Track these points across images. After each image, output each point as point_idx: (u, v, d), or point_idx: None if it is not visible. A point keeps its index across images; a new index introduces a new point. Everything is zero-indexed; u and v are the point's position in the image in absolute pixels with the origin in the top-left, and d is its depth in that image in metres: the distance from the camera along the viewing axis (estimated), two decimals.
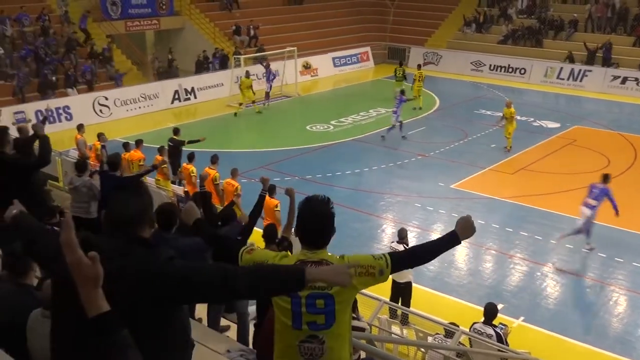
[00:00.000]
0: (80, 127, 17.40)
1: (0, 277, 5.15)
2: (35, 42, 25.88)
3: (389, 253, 3.77)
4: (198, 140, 16.67)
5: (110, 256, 2.69)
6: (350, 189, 17.91)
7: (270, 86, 27.36)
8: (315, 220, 3.65)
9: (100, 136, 16.52)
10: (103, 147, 16.10)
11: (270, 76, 27.40)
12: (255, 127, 25.00)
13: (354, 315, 7.39)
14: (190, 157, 15.01)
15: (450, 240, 3.76)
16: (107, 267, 2.55)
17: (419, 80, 26.97)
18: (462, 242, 3.77)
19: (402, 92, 22.84)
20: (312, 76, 33.80)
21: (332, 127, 24.35)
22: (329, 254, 3.72)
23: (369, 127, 24.34)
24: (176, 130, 17.08)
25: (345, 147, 21.93)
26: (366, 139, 22.75)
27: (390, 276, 11.51)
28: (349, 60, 36.01)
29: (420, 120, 25.56)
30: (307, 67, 33.69)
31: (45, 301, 4.44)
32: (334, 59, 35.37)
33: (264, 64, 28.71)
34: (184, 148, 16.63)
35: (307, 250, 3.68)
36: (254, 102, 26.06)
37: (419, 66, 27.66)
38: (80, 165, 11.28)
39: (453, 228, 3.78)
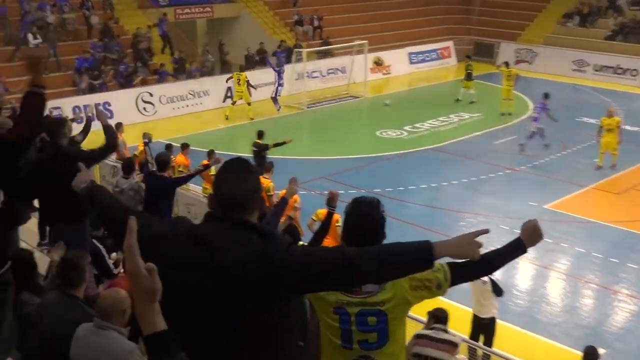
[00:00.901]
0: (118, 127, 17.85)
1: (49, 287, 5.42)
2: (95, 49, 26.75)
3: (447, 263, 3.75)
4: (284, 143, 17.13)
5: (223, 247, 2.85)
6: (425, 206, 17.78)
7: (278, 90, 26.56)
8: (364, 225, 3.69)
9: (145, 134, 16.96)
10: (146, 144, 16.45)
11: (279, 77, 26.56)
12: (315, 131, 25.17)
13: (443, 327, 7.31)
14: (267, 169, 15.07)
15: (515, 248, 3.73)
16: (221, 262, 2.80)
17: (509, 80, 26.60)
18: (528, 250, 3.76)
19: (546, 95, 22.38)
20: (384, 74, 33.81)
21: (405, 134, 24.27)
22: None
23: (449, 134, 24.15)
24: (260, 133, 17.52)
25: (420, 157, 21.81)
26: (445, 149, 22.57)
27: (471, 310, 11.35)
28: (427, 57, 35.88)
29: (510, 127, 25.21)
30: (378, 63, 33.74)
31: (99, 313, 4.68)
32: (410, 54, 35.31)
33: (275, 62, 27.68)
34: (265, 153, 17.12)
35: None
36: (234, 103, 26.14)
37: (506, 64, 27.32)
38: (127, 166, 11.63)
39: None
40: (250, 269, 2.80)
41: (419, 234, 15.43)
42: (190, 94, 27.03)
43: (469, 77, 28.56)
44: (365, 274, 2.91)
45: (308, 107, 27.64)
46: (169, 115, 25.99)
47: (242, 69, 26.89)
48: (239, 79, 25.72)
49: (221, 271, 2.82)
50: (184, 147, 16.24)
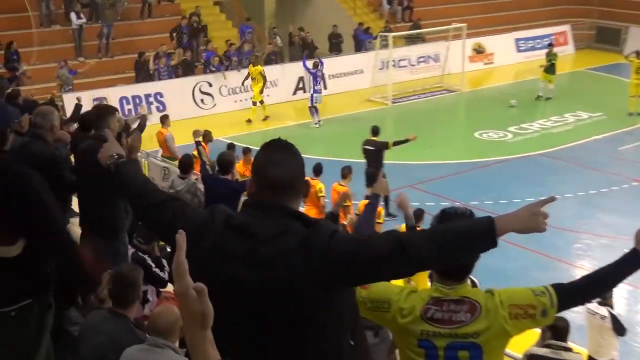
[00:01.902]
0: (164, 120, 18.18)
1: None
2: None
3: (553, 285, 3.73)
4: (407, 140, 17.35)
5: (266, 237, 3.02)
6: None
7: (314, 98, 24.91)
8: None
9: (195, 132, 17.21)
10: (198, 144, 16.64)
11: (316, 81, 25.02)
12: (401, 130, 25.06)
13: (563, 345, 7.03)
14: (317, 170, 15.29)
15: (631, 262, 3.74)
16: (264, 253, 2.97)
17: (639, 73, 25.93)
18: None
19: None
20: (485, 64, 33.53)
21: (510, 136, 24.01)
22: (472, 288, 3.78)
23: (563, 137, 23.76)
24: (375, 130, 17.77)
25: (527, 163, 21.54)
26: (558, 155, 22.22)
27: (585, 352, 11.12)
28: (538, 44, 35.34)
29: (638, 130, 24.64)
30: (479, 51, 33.47)
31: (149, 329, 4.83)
32: (517, 41, 34.90)
33: (311, 63, 25.63)
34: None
35: (443, 285, 3.76)
36: (256, 103, 25.29)
37: (637, 53, 26.68)
38: (185, 165, 11.85)
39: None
40: (295, 259, 2.95)
41: (524, 256, 15.20)
42: None
43: (551, 68, 27.94)
44: (420, 258, 3.00)
45: (393, 102, 27.63)
46: (230, 109, 26.38)
47: (313, 55, 27.04)
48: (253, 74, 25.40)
49: (264, 263, 2.98)
50: (246, 152, 16.36)
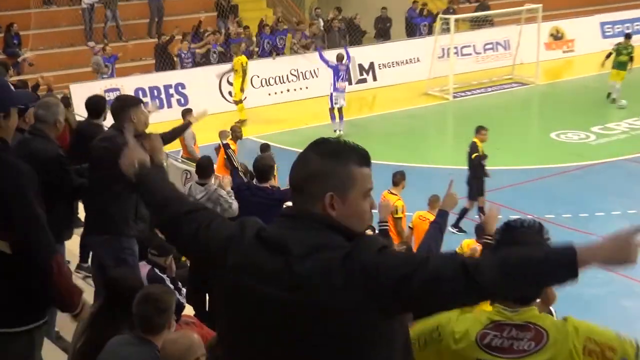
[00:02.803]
0: (186, 114, 18.19)
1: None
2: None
3: None
4: None
5: (301, 252, 3.06)
6: None
7: (335, 97, 23.94)
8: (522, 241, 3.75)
9: (222, 132, 17.25)
10: (226, 146, 16.65)
11: (338, 76, 23.93)
12: (463, 130, 24.94)
13: None
14: (397, 181, 15.15)
15: None
16: (299, 270, 3.02)
17: None
18: None
19: None
20: (564, 52, 33.31)
21: (593, 137, 23.82)
22: (539, 313, 3.77)
23: None
24: (480, 128, 18.02)
25: (613, 170, 21.32)
26: None
27: None
28: (627, 29, 35.04)
29: None
30: (557, 36, 33.25)
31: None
32: (602, 25, 34.60)
33: (335, 55, 24.72)
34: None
35: (505, 308, 3.75)
36: (237, 102, 24.92)
37: None
38: (203, 168, 11.85)
39: None
40: (334, 278, 2.97)
41: (609, 280, 15.06)
42: (293, 74, 27.52)
43: (623, 64, 26.86)
44: (486, 287, 2.97)
45: (455, 97, 27.59)
46: (262, 104, 26.56)
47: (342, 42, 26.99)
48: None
49: (300, 281, 3.02)
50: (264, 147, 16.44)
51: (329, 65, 24.18)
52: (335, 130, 23.46)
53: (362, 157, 3.27)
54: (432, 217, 14.00)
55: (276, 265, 3.06)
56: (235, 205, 11.28)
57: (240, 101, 24.78)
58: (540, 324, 3.68)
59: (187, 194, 11.85)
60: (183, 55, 26.38)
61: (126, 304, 5.51)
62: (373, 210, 3.55)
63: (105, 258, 8.07)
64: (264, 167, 11.23)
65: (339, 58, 23.95)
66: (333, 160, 3.20)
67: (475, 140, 17.80)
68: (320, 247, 3.05)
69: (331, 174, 3.18)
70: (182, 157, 18.09)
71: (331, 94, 23.81)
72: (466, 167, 18.51)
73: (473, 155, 17.72)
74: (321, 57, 24.65)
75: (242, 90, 24.70)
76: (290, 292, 3.01)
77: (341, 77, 23.82)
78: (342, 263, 2.99)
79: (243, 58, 24.73)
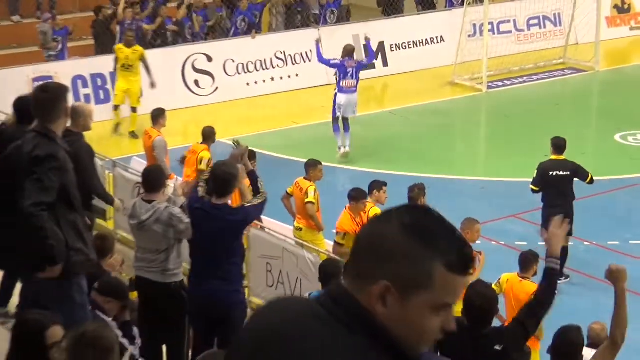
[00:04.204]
0: (158, 117, 18.14)
1: None
2: None
3: None
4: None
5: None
6: None
7: (339, 101, 22.34)
8: None
9: (208, 133, 17.31)
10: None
11: (346, 73, 22.56)
12: (500, 130, 24.92)
13: None
14: (415, 196, 15.19)
15: None
16: None
17: None
18: None
19: None
20: (632, 29, 33.24)
21: None
22: None
23: None
24: (561, 144, 17.67)
25: None
26: None
27: None
28: None
29: None
30: (622, 9, 33.23)
31: None
32: None
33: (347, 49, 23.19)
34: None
35: None
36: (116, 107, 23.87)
37: None
38: (151, 180, 11.78)
39: None
40: None
41: None
42: (279, 57, 27.47)
43: None
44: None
45: (490, 88, 27.47)
46: (238, 96, 26.48)
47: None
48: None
49: None
50: (318, 164, 16.42)
51: (330, 65, 23.23)
52: (339, 148, 22.33)
53: (460, 261, 3.02)
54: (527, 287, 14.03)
55: None
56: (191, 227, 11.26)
57: (134, 109, 23.77)
58: None
59: (131, 214, 11.76)
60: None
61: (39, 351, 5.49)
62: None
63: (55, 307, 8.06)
64: (225, 176, 11.11)
65: (348, 52, 22.80)
66: (418, 242, 2.99)
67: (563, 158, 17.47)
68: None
69: (404, 257, 2.99)
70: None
71: (335, 95, 22.43)
72: (501, 178, 18.51)
73: (588, 179, 17.50)
74: (319, 57, 23.84)
75: (141, 94, 23.92)
76: None
77: (349, 74, 22.43)
78: None
79: (139, 49, 23.83)
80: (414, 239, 2.95)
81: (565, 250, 16.69)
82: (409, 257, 2.95)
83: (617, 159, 22.83)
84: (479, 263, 13.81)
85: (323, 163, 16.86)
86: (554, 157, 17.64)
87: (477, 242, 14.35)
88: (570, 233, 16.41)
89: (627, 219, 19.44)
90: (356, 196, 15.26)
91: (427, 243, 2.96)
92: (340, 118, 22.17)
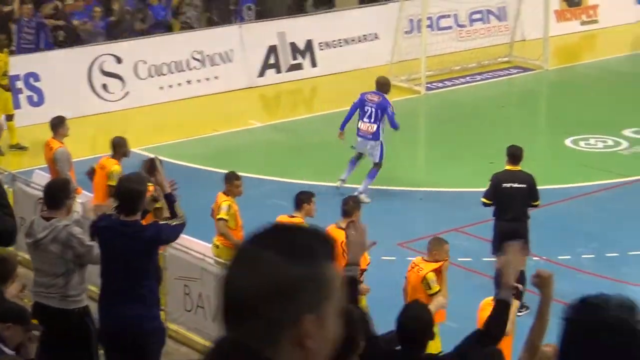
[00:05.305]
0: (57, 126, 18.07)
1: None
2: None
3: None
4: None
5: None
6: None
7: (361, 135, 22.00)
8: (607, 350, 3.71)
9: (119, 144, 17.20)
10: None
11: (367, 112, 22.09)
12: (441, 135, 25.11)
13: None
14: (350, 209, 15.33)
15: None
16: None
17: None
18: None
19: None
20: (584, 23, 33.68)
21: (625, 145, 24.14)
22: None
23: None
24: (516, 153, 17.79)
25: None
26: None
27: None
28: None
29: None
30: (573, 2, 33.56)
31: None
32: None
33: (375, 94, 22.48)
34: None
35: None
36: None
37: None
38: (51, 195, 11.75)
39: None
40: None
41: None
42: (196, 58, 27.54)
43: None
44: None
45: (429, 89, 27.87)
46: (151, 102, 26.50)
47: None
48: None
49: None
50: (234, 178, 16.39)
51: (351, 109, 22.55)
52: (338, 186, 21.00)
53: (332, 248, 3.09)
54: (426, 267, 14.30)
55: None
56: (96, 250, 11.20)
57: (10, 117, 23.36)
58: None
59: (27, 233, 11.73)
60: (24, 25, 25.92)
61: None
62: None
63: None
64: (129, 193, 11.21)
65: (378, 85, 22.33)
66: (303, 261, 3.01)
67: (518, 169, 17.55)
68: None
69: (308, 281, 3.01)
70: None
71: (366, 134, 21.68)
72: (444, 189, 18.62)
73: (536, 202, 17.50)
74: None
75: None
76: None
77: (367, 113, 21.89)
78: None
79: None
80: (301, 261, 2.98)
81: (523, 275, 16.79)
82: (308, 279, 2.99)
83: (567, 165, 23.20)
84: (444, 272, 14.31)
85: (249, 174, 16.92)
86: (509, 167, 17.71)
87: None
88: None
89: (579, 231, 19.72)
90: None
91: (311, 255, 3.02)
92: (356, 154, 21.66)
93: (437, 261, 14.32)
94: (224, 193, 16.19)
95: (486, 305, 13.05)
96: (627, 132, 24.75)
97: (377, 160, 21.20)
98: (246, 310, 2.95)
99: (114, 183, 16.52)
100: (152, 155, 13.63)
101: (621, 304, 3.74)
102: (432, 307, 13.81)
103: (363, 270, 12.91)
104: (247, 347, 2.95)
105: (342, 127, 21.98)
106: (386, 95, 21.91)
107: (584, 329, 3.74)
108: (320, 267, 3.00)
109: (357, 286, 8.96)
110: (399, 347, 8.84)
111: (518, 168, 17.57)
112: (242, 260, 3.02)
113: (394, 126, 21.68)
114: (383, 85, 19.82)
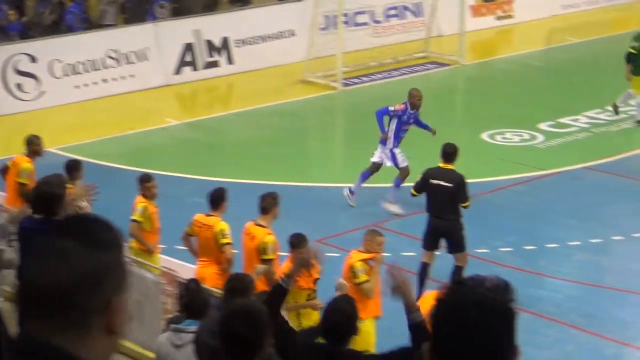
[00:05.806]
0: None
1: None
2: None
3: None
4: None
5: None
6: (581, 284, 17.89)
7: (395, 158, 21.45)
8: (476, 329, 3.71)
9: (32, 142, 17.13)
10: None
11: (397, 134, 21.97)
12: (357, 132, 25.11)
13: None
14: (267, 206, 15.27)
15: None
16: None
17: None
18: None
19: None
20: (499, 19, 33.91)
21: (541, 138, 24.42)
22: None
23: (626, 141, 24.33)
24: (450, 151, 17.66)
25: (569, 184, 21.85)
26: (620, 168, 22.64)
27: None
28: None
29: None
30: None
31: None
32: None
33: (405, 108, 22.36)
34: None
35: None
36: None
37: None
38: None
39: None
40: None
41: (569, 337, 15.38)
42: (112, 57, 27.42)
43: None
44: None
45: (346, 85, 27.98)
46: (67, 101, 26.31)
47: None
48: None
49: None
50: (145, 180, 16.32)
51: (390, 115, 22.14)
52: (348, 198, 20.94)
53: (119, 234, 3.25)
54: (356, 256, 14.40)
55: None
56: (7, 255, 11.14)
57: None
58: None
59: None
60: None
61: None
62: None
63: None
64: (47, 196, 11.16)
65: (414, 100, 22.18)
66: (104, 249, 3.18)
67: (450, 167, 17.54)
68: None
69: (109, 270, 3.17)
70: None
71: (389, 152, 21.46)
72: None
73: (465, 203, 17.29)
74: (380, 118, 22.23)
75: None
76: None
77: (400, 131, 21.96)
78: None
79: None
80: (100, 249, 3.13)
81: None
82: (112, 265, 3.15)
83: (485, 160, 23.35)
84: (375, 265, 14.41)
85: (166, 172, 16.86)
86: (441, 164, 17.67)
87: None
88: (461, 249, 16.94)
89: (496, 225, 19.92)
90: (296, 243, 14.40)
91: (107, 244, 3.18)
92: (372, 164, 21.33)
93: (368, 252, 14.42)
94: (142, 195, 16.09)
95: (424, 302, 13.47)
96: (542, 126, 25.02)
97: (396, 166, 21.01)
98: (58, 302, 3.00)
99: (23, 180, 16.51)
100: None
101: (496, 285, 3.77)
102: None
103: (316, 279, 13.97)
104: (56, 348, 2.99)
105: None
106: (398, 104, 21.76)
107: (454, 307, 3.76)
108: (118, 254, 3.18)
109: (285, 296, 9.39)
110: (321, 340, 8.83)
111: (450, 166, 17.55)
112: (48, 253, 3.10)
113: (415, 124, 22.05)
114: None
